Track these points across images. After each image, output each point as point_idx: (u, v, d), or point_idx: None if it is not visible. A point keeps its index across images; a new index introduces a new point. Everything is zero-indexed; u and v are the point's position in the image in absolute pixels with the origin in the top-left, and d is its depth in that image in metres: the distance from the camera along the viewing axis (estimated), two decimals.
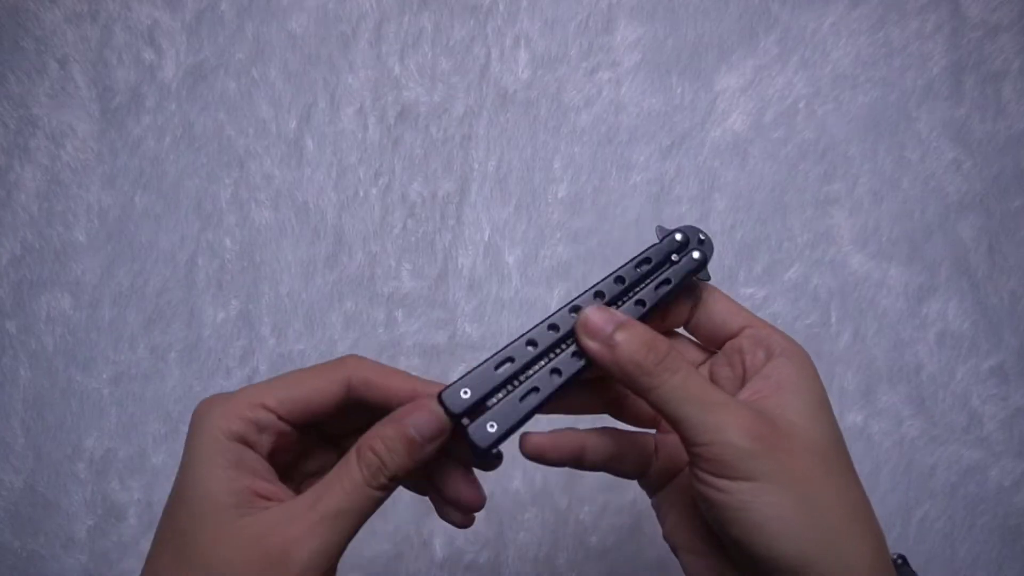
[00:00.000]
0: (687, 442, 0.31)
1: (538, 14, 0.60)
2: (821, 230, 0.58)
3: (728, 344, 0.35)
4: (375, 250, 0.58)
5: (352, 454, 0.31)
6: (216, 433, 0.31)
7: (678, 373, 0.31)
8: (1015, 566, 0.55)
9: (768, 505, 0.29)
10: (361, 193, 0.58)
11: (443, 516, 0.36)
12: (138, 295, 0.57)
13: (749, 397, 0.32)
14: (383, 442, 0.31)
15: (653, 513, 0.38)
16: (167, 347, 0.57)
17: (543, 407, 0.33)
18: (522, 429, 0.33)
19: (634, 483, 0.38)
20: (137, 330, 0.57)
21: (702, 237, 0.36)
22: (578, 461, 0.35)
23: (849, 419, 0.56)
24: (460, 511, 0.35)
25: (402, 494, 0.55)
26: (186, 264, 0.57)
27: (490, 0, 0.60)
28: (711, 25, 0.60)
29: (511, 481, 0.55)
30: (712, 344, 0.36)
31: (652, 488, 0.38)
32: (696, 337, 0.37)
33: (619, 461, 0.36)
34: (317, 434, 0.36)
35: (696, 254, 0.35)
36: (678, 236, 0.35)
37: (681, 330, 0.37)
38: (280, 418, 0.32)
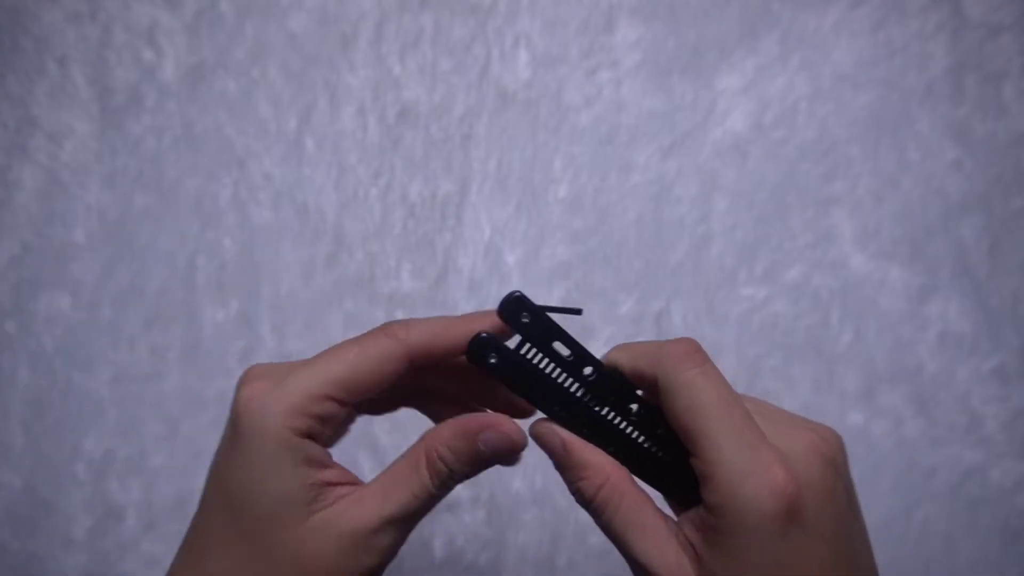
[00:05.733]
0: None
1: (538, 14, 0.60)
2: (822, 230, 0.58)
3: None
4: (375, 250, 0.58)
5: (422, 457, 0.32)
6: (283, 433, 0.30)
7: (599, 518, 0.31)
8: (1017, 567, 0.55)
9: None
10: (361, 193, 0.58)
11: None
12: (138, 295, 0.57)
13: (686, 529, 0.30)
14: (453, 453, 0.32)
15: None
16: (167, 347, 0.57)
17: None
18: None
19: None
20: (137, 330, 0.57)
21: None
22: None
23: (849, 420, 0.56)
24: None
25: None
26: (186, 264, 0.57)
27: (490, 0, 0.60)
28: (712, 25, 0.60)
29: (511, 481, 0.55)
30: None
31: None
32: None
33: None
34: None
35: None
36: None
37: None
38: (342, 404, 0.32)
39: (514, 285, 0.58)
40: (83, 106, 0.58)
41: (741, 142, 0.59)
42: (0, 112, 0.58)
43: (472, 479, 0.57)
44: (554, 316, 0.33)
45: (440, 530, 0.55)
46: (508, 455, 0.32)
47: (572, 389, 0.33)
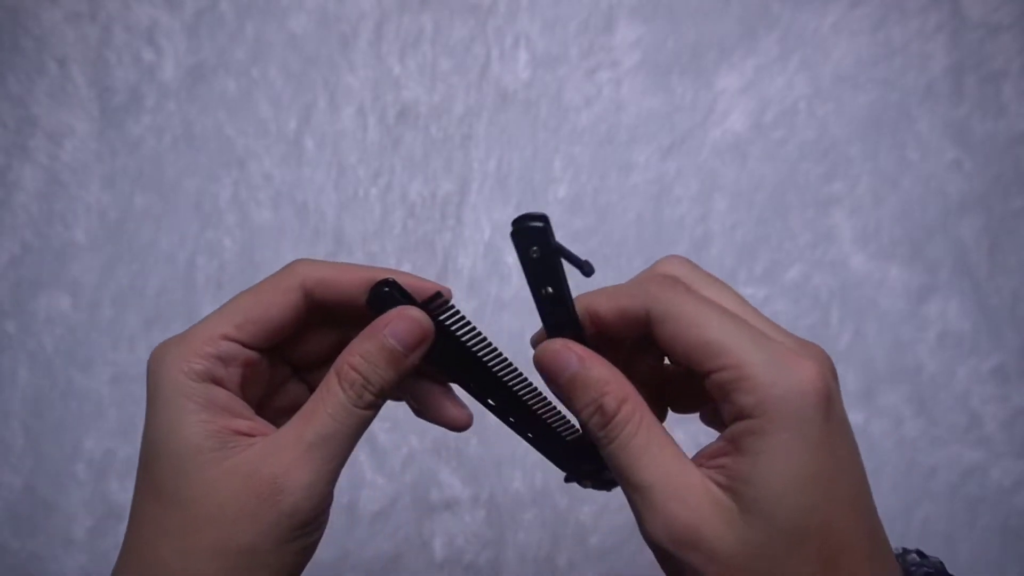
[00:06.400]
0: None
1: (538, 14, 0.60)
2: (822, 230, 0.58)
3: (706, 381, 0.28)
4: (375, 250, 0.58)
5: (332, 375, 0.30)
6: (178, 377, 0.29)
7: (614, 442, 0.28)
8: (1016, 567, 0.55)
9: None
10: (361, 193, 0.58)
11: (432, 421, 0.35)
12: (138, 295, 0.57)
13: (710, 462, 0.28)
14: (363, 358, 0.29)
15: None
16: None
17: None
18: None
19: None
20: (137, 330, 0.57)
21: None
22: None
23: (850, 419, 0.56)
24: (448, 428, 0.34)
25: (401, 495, 0.55)
26: (186, 264, 0.57)
27: (490, 0, 0.60)
28: (711, 25, 0.60)
29: (511, 481, 0.55)
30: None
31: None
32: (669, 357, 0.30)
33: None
34: (285, 368, 0.34)
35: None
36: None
37: None
38: (244, 345, 0.30)
39: (513, 285, 0.57)
40: (83, 106, 0.58)
41: (741, 142, 0.59)
42: (0, 112, 0.58)
43: (472, 479, 0.57)
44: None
45: (440, 530, 0.55)
46: (417, 345, 0.30)
47: (501, 374, 0.31)
